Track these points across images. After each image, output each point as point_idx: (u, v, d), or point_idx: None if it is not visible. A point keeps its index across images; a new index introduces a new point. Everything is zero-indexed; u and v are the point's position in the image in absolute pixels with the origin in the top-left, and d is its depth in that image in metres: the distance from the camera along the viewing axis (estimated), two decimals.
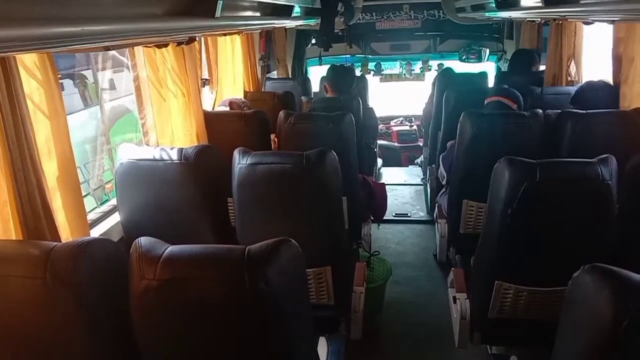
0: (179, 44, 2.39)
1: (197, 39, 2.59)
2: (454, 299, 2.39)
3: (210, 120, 2.86)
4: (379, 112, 5.26)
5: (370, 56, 6.52)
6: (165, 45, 2.32)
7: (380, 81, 6.86)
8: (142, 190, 2.17)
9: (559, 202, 1.90)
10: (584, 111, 2.67)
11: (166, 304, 1.22)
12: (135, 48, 2.47)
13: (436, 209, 3.66)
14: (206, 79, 3.50)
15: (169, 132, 2.63)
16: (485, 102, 3.02)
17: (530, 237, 1.96)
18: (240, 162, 2.13)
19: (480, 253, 2.25)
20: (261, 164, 2.11)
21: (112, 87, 6.60)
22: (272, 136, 3.03)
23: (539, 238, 1.97)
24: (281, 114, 2.93)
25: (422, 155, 5.63)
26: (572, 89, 3.29)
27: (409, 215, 4.96)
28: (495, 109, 2.92)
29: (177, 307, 1.22)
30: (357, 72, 6.02)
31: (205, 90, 3.48)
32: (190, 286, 1.20)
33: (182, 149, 2.12)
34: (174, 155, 2.09)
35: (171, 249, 1.24)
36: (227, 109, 3.29)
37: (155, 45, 2.25)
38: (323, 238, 2.20)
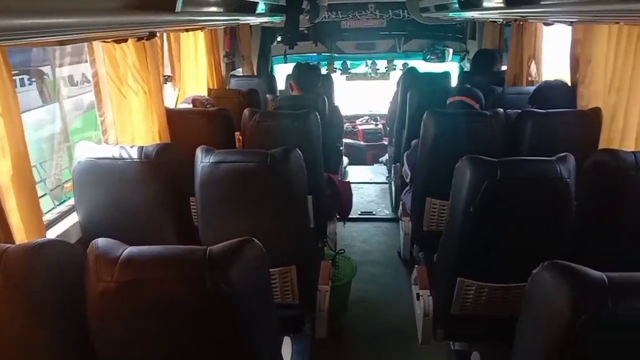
0: (139, 39, 2.34)
1: (158, 34, 2.54)
2: (417, 295, 2.41)
3: (173, 117, 2.80)
4: (345, 111, 5.27)
5: (336, 55, 6.53)
6: (125, 41, 2.26)
7: (347, 79, 6.88)
8: (101, 190, 2.10)
9: (519, 200, 1.94)
10: (544, 111, 2.73)
11: (124, 306, 1.18)
12: (93, 43, 2.40)
13: (400, 207, 3.68)
14: (168, 76, 3.44)
15: (129, 130, 2.56)
16: (448, 101, 3.06)
17: (491, 235, 1.99)
18: (203, 160, 2.09)
19: (442, 250, 2.27)
20: (225, 163, 2.08)
21: None
22: (237, 134, 2.99)
23: (499, 236, 1.99)
24: (246, 111, 2.89)
25: (387, 154, 5.66)
26: (532, 89, 3.35)
27: (374, 213, 4.99)
28: (458, 109, 2.95)
29: (136, 310, 1.19)
30: (324, 71, 6.02)
31: (168, 87, 3.42)
32: (149, 288, 1.17)
33: (143, 147, 2.07)
34: (134, 154, 2.04)
35: (130, 250, 1.21)
36: (190, 106, 3.23)
37: (114, 41, 2.19)
38: (288, 237, 2.18)
